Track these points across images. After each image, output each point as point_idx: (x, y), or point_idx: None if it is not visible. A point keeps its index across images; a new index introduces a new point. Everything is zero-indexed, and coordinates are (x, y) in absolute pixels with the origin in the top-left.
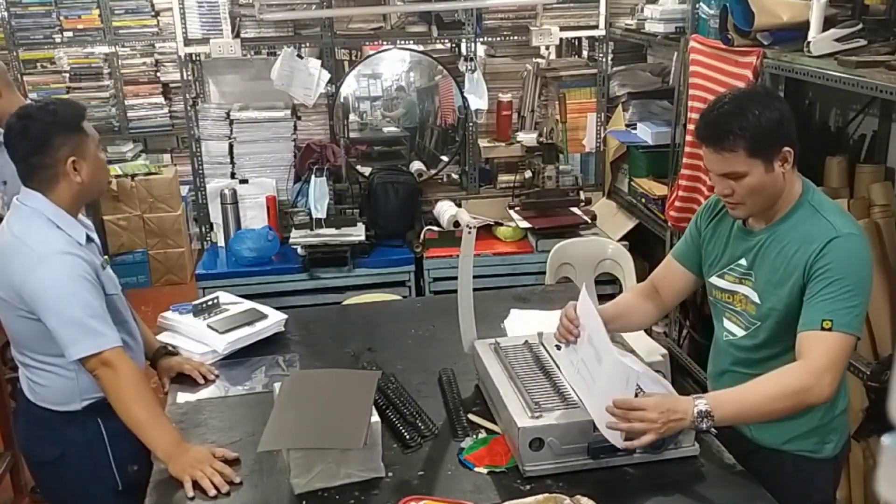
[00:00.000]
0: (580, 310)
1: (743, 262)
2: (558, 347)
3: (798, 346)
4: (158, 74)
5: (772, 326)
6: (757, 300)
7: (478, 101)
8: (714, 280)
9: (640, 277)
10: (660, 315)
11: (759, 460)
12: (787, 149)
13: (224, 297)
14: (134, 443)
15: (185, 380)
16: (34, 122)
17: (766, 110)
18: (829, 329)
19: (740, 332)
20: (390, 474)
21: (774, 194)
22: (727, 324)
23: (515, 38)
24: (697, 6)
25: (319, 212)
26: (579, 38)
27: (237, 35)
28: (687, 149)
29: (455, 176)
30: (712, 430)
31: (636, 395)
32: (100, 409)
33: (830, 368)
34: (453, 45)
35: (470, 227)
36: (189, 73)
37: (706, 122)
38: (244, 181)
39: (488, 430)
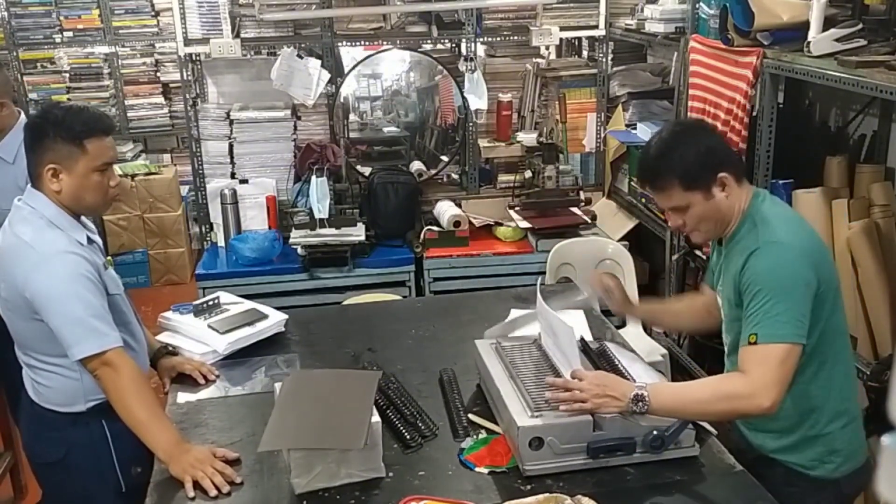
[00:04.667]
0: (539, 309)
1: (719, 276)
2: None
3: (739, 363)
4: (158, 74)
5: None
6: (725, 312)
7: (478, 101)
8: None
9: (640, 277)
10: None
11: (754, 466)
12: (722, 174)
13: (224, 297)
14: (137, 444)
15: (186, 380)
16: (40, 118)
17: (691, 146)
18: (755, 343)
19: (729, 340)
20: (391, 474)
21: (724, 217)
22: (723, 333)
23: (515, 38)
24: (697, 6)
25: (322, 212)
26: (579, 38)
27: (237, 35)
28: None
29: (455, 176)
30: (645, 412)
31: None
32: (104, 410)
33: (771, 382)
34: (453, 45)
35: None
36: (189, 73)
37: (639, 166)
38: (244, 181)
39: (489, 430)
